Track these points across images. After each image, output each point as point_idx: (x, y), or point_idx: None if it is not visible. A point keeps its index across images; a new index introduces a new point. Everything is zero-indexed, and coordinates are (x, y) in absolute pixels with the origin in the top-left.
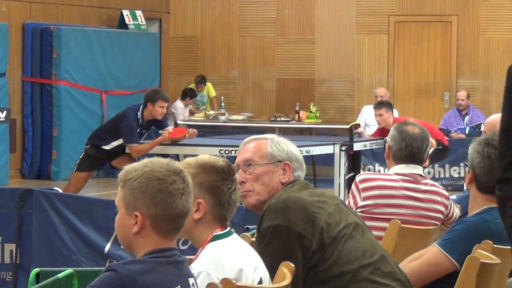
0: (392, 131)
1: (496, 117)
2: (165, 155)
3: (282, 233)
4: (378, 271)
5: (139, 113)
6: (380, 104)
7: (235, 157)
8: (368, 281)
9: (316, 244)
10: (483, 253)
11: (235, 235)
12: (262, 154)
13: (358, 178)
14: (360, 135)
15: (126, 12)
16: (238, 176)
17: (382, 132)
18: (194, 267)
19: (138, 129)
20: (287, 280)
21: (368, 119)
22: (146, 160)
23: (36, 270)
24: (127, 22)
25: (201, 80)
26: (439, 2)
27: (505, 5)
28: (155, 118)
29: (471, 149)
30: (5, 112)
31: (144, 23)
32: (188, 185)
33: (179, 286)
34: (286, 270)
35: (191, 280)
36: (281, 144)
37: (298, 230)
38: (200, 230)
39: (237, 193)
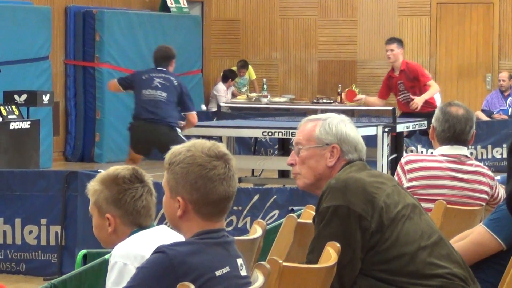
0: (436, 111)
1: None
2: (208, 137)
3: (341, 214)
4: (435, 253)
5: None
6: (392, 40)
7: (278, 139)
8: (426, 263)
9: (375, 225)
10: None
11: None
12: (309, 137)
13: (403, 159)
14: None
15: None
16: (289, 158)
17: (386, 91)
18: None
19: None
20: (333, 260)
21: None
22: (190, 143)
23: (83, 251)
24: (169, 5)
25: (244, 65)
26: None
27: None
28: None
29: None
30: (48, 95)
31: (186, 5)
32: (231, 169)
33: (227, 267)
34: (332, 250)
35: (239, 261)
36: (331, 126)
37: (358, 210)
38: (116, 239)
39: (146, 198)
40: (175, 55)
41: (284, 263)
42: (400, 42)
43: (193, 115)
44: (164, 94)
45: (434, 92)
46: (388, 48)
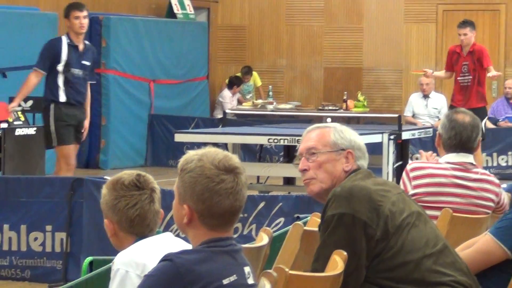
0: (442, 119)
1: None
2: (214, 144)
3: (347, 222)
4: (440, 261)
5: (65, 37)
6: (465, 23)
7: (283, 146)
8: (431, 271)
9: (381, 232)
10: None
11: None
12: (325, 142)
13: (409, 166)
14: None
15: (174, 1)
16: (301, 164)
17: (450, 65)
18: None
19: (73, 55)
20: (340, 268)
21: (416, 108)
22: (203, 151)
23: (89, 258)
24: (175, 11)
25: (247, 71)
26: None
27: None
28: (91, 48)
29: None
30: None
31: (193, 12)
32: (239, 184)
33: (235, 275)
34: (339, 259)
35: (246, 269)
36: (344, 133)
37: (363, 218)
38: (118, 243)
39: (143, 207)
40: (65, 12)
41: (291, 271)
42: (472, 25)
43: (30, 74)
44: None
45: (498, 74)
46: (461, 32)
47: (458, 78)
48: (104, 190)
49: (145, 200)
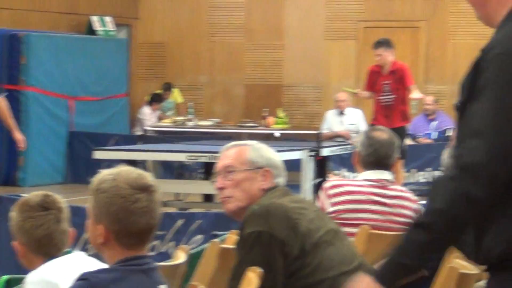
0: (361, 137)
1: None
2: (131, 161)
3: (264, 240)
4: None
5: None
6: (378, 44)
7: (204, 163)
8: None
9: (298, 250)
10: (461, 263)
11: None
12: (242, 160)
13: (327, 184)
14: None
15: (95, 18)
16: (218, 182)
17: (371, 84)
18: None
19: None
20: (254, 286)
21: (332, 125)
22: (116, 171)
23: (6, 277)
24: (96, 28)
25: (167, 88)
26: (408, 7)
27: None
28: None
29: (446, 154)
30: None
31: (113, 29)
32: (154, 202)
33: None
34: (254, 276)
35: (162, 287)
36: (261, 151)
37: (280, 236)
38: (28, 265)
39: (49, 227)
40: None
41: None
42: (387, 43)
43: None
44: None
45: (422, 96)
46: (376, 53)
47: (379, 98)
48: (13, 212)
49: (51, 220)
